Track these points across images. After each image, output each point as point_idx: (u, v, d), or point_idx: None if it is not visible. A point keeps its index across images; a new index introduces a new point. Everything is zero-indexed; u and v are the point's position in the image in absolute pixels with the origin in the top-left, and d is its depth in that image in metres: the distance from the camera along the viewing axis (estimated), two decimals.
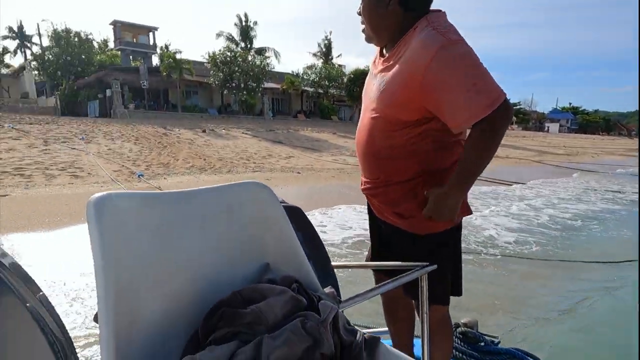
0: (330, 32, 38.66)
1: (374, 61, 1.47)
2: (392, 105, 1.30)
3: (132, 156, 12.32)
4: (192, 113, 24.91)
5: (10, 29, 33.48)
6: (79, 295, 3.64)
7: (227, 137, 18.64)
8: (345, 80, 30.61)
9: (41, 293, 0.88)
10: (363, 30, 1.41)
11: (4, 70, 29.22)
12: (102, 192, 0.79)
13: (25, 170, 9.45)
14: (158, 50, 31.63)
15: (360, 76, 30.04)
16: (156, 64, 29.24)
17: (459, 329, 2.10)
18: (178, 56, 26.05)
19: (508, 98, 1.17)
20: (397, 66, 1.25)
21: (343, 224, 6.52)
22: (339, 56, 40.02)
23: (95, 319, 0.90)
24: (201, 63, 27.52)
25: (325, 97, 31.73)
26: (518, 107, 64.71)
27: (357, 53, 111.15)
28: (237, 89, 25.00)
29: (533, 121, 65.24)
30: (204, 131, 18.94)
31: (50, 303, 0.88)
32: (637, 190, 11.24)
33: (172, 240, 0.84)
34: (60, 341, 0.80)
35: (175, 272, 0.83)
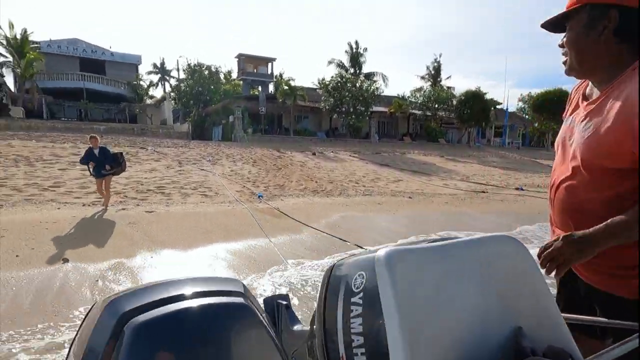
0: (440, 55, 38.15)
1: (571, 106, 1.39)
2: (599, 153, 1.17)
3: (252, 177, 13.29)
4: (302, 136, 26.23)
5: (155, 65, 39.29)
6: None
7: (335, 159, 19.16)
8: (454, 102, 29.61)
9: (264, 313, 1.01)
10: (564, 62, 1.31)
11: (149, 101, 34.21)
12: (388, 248, 0.84)
13: (165, 188, 10.71)
14: (274, 79, 34.24)
15: (471, 97, 28.86)
16: (272, 91, 31.58)
17: None
18: (292, 83, 27.87)
19: None
20: (608, 108, 1.14)
21: None
22: (448, 78, 39.23)
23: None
24: (312, 89, 28.99)
25: (433, 120, 30.99)
26: None
27: (464, 74, 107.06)
28: (347, 113, 25.71)
29: None
30: (313, 154, 19.73)
31: (270, 322, 1.00)
32: None
33: (438, 294, 0.85)
34: None
35: (444, 329, 0.83)
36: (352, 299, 0.96)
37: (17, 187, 9.23)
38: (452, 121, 31.22)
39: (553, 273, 1.19)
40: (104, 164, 7.92)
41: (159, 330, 0.82)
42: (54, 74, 30.81)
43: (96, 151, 7.96)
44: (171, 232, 6.93)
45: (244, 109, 24.69)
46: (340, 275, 0.93)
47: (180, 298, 0.90)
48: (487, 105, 29.64)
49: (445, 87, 34.36)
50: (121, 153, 8.56)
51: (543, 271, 1.03)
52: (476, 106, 28.32)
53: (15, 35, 25.03)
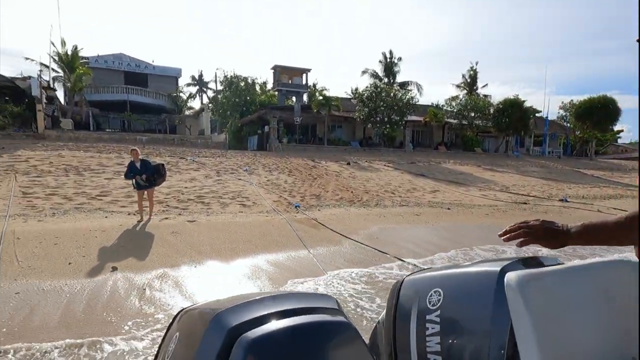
0: (477, 63, 37.36)
1: None
2: None
3: (288, 187, 13.38)
4: (335, 146, 26.27)
5: (193, 77, 40.70)
6: None
7: (370, 169, 19.03)
8: (492, 110, 28.86)
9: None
10: None
11: (188, 112, 35.39)
12: (517, 272, 0.86)
13: (204, 198, 10.94)
14: (308, 89, 34.64)
15: (509, 105, 28.05)
16: (306, 101, 31.91)
17: None
18: (325, 93, 28.05)
19: None
20: None
21: None
22: (484, 86, 38.39)
23: None
24: (345, 98, 29.07)
25: (469, 129, 30.31)
26: None
27: (501, 81, 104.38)
28: (381, 122, 25.57)
29: None
30: (348, 163, 19.68)
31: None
32: None
33: (562, 318, 0.85)
34: None
35: (567, 353, 0.83)
36: (428, 317, 0.95)
37: (68, 195, 9.70)
38: (488, 130, 30.43)
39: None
40: (146, 176, 8.04)
41: (272, 347, 0.80)
42: (101, 87, 32.43)
43: (137, 164, 8.08)
44: (212, 241, 7.06)
45: (279, 119, 25.03)
46: (411, 291, 0.91)
47: (286, 314, 0.88)
48: (526, 114, 28.68)
49: (481, 96, 33.62)
50: (163, 164, 8.65)
51: None
52: (515, 114, 27.45)
53: (66, 52, 26.57)
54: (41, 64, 28.56)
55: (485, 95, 34.11)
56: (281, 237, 7.63)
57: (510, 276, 0.85)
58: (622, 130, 41.76)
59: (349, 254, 6.85)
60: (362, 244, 7.39)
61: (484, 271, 1.05)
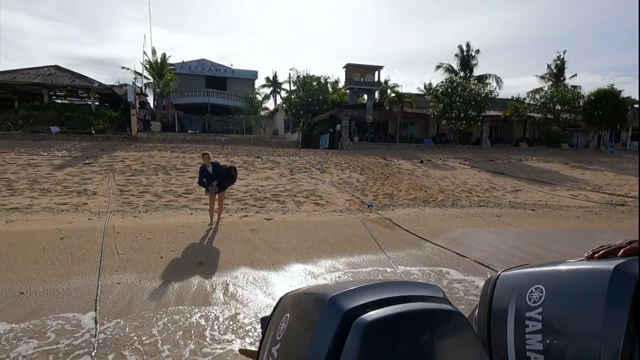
0: (564, 52, 34.27)
1: None
2: None
3: (360, 186, 13.35)
4: (407, 143, 25.70)
5: (268, 79, 42.23)
6: None
7: (444, 167, 18.37)
8: (581, 102, 26.33)
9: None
10: None
11: (263, 112, 36.87)
12: (619, 261, 0.87)
13: (279, 196, 11.27)
14: (380, 86, 34.28)
15: (602, 97, 25.37)
16: (378, 99, 31.61)
17: None
18: (398, 90, 27.53)
19: None
20: None
21: None
22: (572, 76, 35.13)
23: None
24: (418, 95, 28.31)
25: (555, 123, 27.93)
26: None
27: (590, 70, 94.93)
28: (457, 118, 24.55)
29: None
30: (421, 161, 19.18)
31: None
32: None
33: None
34: None
35: None
36: (528, 314, 0.91)
37: (158, 193, 10.56)
38: (577, 124, 27.80)
39: None
40: (219, 180, 7.80)
41: (387, 330, 0.83)
42: (185, 92, 34.89)
43: (210, 168, 7.82)
44: (289, 239, 7.26)
45: (350, 117, 25.06)
46: (508, 288, 0.88)
47: (397, 300, 0.90)
48: (623, 105, 25.74)
49: (569, 87, 30.79)
50: (234, 167, 8.40)
51: None
52: (609, 106, 24.76)
53: (156, 60, 28.97)
54: (135, 72, 31.44)
55: (574, 87, 31.21)
56: (355, 237, 7.63)
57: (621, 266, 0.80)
58: None
59: (425, 256, 6.67)
60: (439, 246, 7.16)
61: (593, 269, 0.99)
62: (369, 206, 10.50)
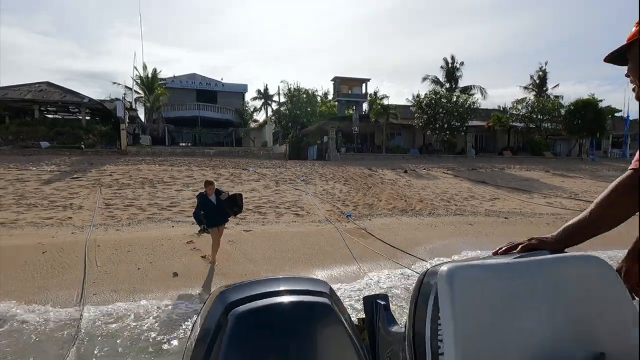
0: (546, 63, 35.28)
1: None
2: None
3: (342, 196, 13.70)
4: (394, 153, 26.20)
5: (259, 91, 42.80)
6: None
7: (427, 177, 18.79)
8: (563, 112, 27.08)
9: (347, 313, 1.12)
10: (633, 89, 1.34)
11: (252, 125, 37.39)
12: (451, 265, 0.86)
13: (262, 208, 11.58)
14: (368, 98, 34.95)
15: (581, 107, 26.14)
16: (365, 110, 32.21)
17: None
18: (385, 102, 28.19)
19: None
20: None
21: None
22: (555, 87, 36.11)
23: None
24: (405, 106, 28.95)
25: (537, 132, 28.64)
26: None
27: (576, 79, 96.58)
28: (441, 129, 25.13)
29: None
30: (405, 171, 19.56)
31: (352, 321, 1.11)
32: None
33: (505, 314, 0.84)
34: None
35: (507, 350, 0.82)
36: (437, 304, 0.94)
37: (142, 206, 10.85)
38: (559, 132, 28.54)
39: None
40: (222, 210, 6.82)
41: (254, 320, 0.96)
42: (176, 105, 35.34)
43: (212, 197, 6.75)
44: (265, 250, 7.61)
45: (338, 129, 25.55)
46: (431, 282, 0.91)
47: (274, 294, 1.02)
48: (602, 114, 26.52)
49: (552, 97, 31.62)
50: (240, 194, 7.39)
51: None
52: (588, 115, 25.51)
53: (147, 75, 29.44)
54: (125, 87, 31.86)
55: (556, 96, 32.06)
56: (329, 246, 7.99)
57: (444, 267, 0.86)
58: None
59: (393, 263, 7.04)
60: (407, 253, 7.54)
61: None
62: (347, 216, 10.86)
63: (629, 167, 1.10)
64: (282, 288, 1.05)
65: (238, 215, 7.57)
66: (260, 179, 15.80)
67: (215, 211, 6.70)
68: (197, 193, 7.32)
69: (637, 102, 1.27)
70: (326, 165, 20.64)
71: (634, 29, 1.24)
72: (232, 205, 6.92)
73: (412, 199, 13.90)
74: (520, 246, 1.14)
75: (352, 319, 1.16)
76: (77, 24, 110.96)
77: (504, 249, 1.16)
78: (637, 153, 1.09)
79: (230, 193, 7.17)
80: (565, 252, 1.06)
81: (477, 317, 0.81)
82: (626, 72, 1.29)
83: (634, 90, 1.32)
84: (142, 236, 8.15)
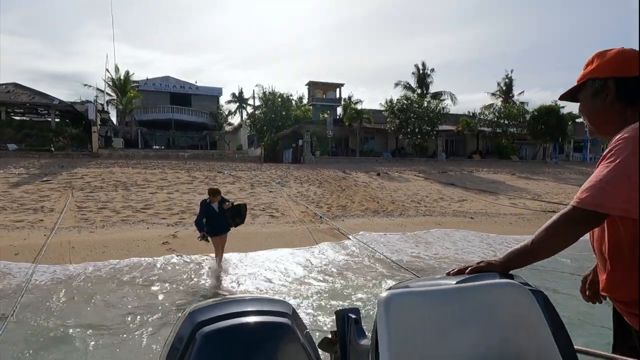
0: (512, 71, 37.04)
1: None
2: None
3: (316, 198, 14.00)
4: (367, 157, 26.76)
5: (233, 95, 42.76)
6: None
7: (399, 179, 19.31)
8: (528, 117, 28.40)
9: (306, 331, 1.18)
10: (585, 126, 1.47)
11: (227, 128, 37.34)
12: (390, 291, 0.96)
13: None
14: (342, 102, 35.53)
15: (544, 113, 27.51)
16: (340, 114, 32.74)
17: None
18: (358, 106, 28.76)
19: (602, 214, 1.12)
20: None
21: None
22: (520, 93, 37.86)
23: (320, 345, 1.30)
24: (378, 111, 29.65)
25: (504, 137, 29.91)
26: None
27: (542, 86, 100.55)
28: (412, 133, 25.87)
29: None
30: (378, 174, 20.02)
31: (312, 340, 1.17)
32: None
33: (437, 336, 0.91)
34: None
35: None
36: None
37: (116, 209, 10.85)
38: (524, 137, 29.90)
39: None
40: (225, 219, 6.60)
41: (220, 339, 1.02)
42: (149, 108, 34.92)
43: (215, 205, 6.54)
44: (240, 247, 7.83)
45: (312, 133, 25.90)
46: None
47: (240, 314, 1.09)
48: (564, 120, 28.00)
49: (517, 103, 33.11)
50: (245, 205, 7.14)
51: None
52: (551, 121, 26.89)
53: (119, 77, 29.04)
54: (97, 89, 31.30)
55: (522, 103, 33.60)
56: (301, 245, 8.29)
57: (383, 295, 0.93)
58: None
59: (360, 259, 7.39)
60: (374, 249, 7.90)
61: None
62: (320, 217, 11.16)
63: (570, 203, 1.17)
64: (247, 309, 1.12)
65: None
66: (235, 182, 15.91)
67: (217, 220, 6.51)
68: (199, 200, 7.29)
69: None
70: (301, 168, 20.86)
71: (582, 72, 1.40)
72: (234, 215, 6.66)
73: (384, 200, 14.33)
74: (469, 268, 1.24)
75: (321, 334, 1.30)
76: (47, 24, 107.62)
77: (455, 270, 1.25)
78: (579, 191, 1.16)
79: (235, 203, 6.89)
80: (511, 273, 1.20)
81: (411, 339, 0.88)
82: (578, 109, 1.43)
83: (585, 127, 1.49)
84: (117, 237, 8.22)
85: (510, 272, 1.23)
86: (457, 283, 1.08)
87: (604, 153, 1.18)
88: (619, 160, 1.10)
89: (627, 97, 1.26)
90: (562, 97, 1.51)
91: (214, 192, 6.57)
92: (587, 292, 1.54)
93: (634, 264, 1.19)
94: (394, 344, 0.86)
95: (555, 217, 1.20)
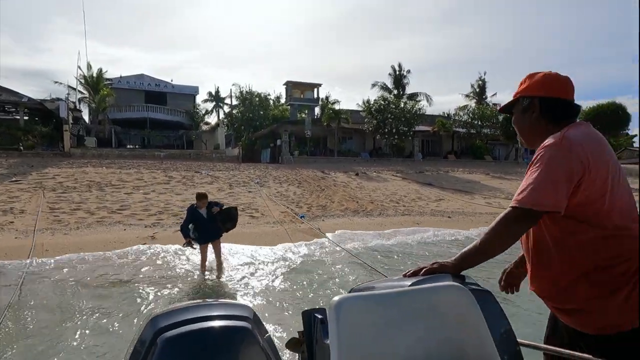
0: (485, 73, 38.10)
1: None
2: None
3: (296, 198, 13.99)
4: (346, 157, 26.93)
5: (210, 94, 42.15)
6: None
7: (377, 179, 19.50)
8: (501, 119, 29.20)
9: (267, 335, 1.20)
10: (517, 137, 1.65)
11: (204, 127, 36.79)
12: (341, 296, 1.00)
13: None
14: (320, 102, 35.60)
15: None
16: (318, 114, 32.80)
17: None
18: (336, 106, 28.90)
19: (537, 211, 1.26)
20: None
21: None
22: (493, 95, 38.93)
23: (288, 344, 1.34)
24: (356, 111, 29.89)
25: (478, 137, 30.67)
26: None
27: (513, 88, 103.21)
28: (389, 133, 26.18)
29: None
30: (356, 174, 20.17)
31: (273, 343, 1.20)
32: None
33: (385, 337, 0.97)
34: None
35: None
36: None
37: (91, 210, 10.56)
38: (498, 138, 30.73)
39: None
40: (214, 225, 6.26)
41: (180, 344, 1.03)
42: (123, 106, 34.06)
43: (202, 211, 6.19)
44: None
45: (290, 133, 25.86)
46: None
47: (201, 319, 1.11)
48: None
49: (491, 105, 34.01)
50: (235, 207, 6.90)
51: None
52: None
53: (92, 75, 28.22)
54: (69, 86, 30.33)
55: (495, 104, 34.48)
56: (278, 239, 8.30)
57: (335, 299, 0.97)
58: (636, 135, 41.28)
59: (338, 257, 7.45)
60: (332, 241, 7.98)
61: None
62: (301, 217, 11.17)
63: (509, 205, 1.31)
64: (208, 314, 1.13)
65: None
66: (213, 182, 15.72)
67: (206, 226, 6.14)
68: (177, 200, 7.02)
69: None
70: (280, 168, 20.79)
71: (517, 89, 1.56)
72: (225, 219, 6.32)
73: (363, 200, 14.46)
74: (424, 269, 1.33)
75: (285, 336, 1.34)
76: (14, 18, 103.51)
77: (411, 271, 1.35)
78: (516, 194, 1.31)
79: (225, 206, 6.53)
80: (462, 274, 1.30)
81: (358, 341, 0.94)
82: (511, 122, 1.59)
83: (517, 138, 1.65)
84: (93, 239, 8.02)
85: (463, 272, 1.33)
86: (410, 285, 1.17)
87: (532, 160, 1.36)
88: (544, 166, 1.28)
89: (550, 116, 1.44)
90: (501, 110, 1.70)
91: (200, 197, 6.20)
92: (502, 283, 1.71)
93: (549, 263, 1.37)
94: (343, 346, 0.91)
95: (497, 218, 1.33)
